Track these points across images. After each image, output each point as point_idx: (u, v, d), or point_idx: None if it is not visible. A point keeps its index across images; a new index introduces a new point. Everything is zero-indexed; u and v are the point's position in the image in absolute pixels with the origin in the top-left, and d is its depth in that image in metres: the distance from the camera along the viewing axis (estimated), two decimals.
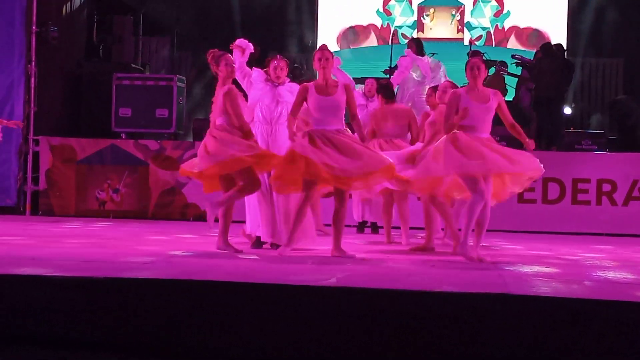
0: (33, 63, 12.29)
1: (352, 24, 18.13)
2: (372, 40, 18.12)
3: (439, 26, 18.04)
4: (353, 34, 18.08)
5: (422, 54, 12.43)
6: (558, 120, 13.66)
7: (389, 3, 18.08)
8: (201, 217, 11.49)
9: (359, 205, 10.30)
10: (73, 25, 14.53)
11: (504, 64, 15.37)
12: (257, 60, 8.53)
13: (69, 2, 14.45)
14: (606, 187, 11.48)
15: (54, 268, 6.34)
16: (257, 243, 8.30)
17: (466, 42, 16.32)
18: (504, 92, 15.00)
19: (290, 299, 5.51)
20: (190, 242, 8.90)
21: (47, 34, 12.74)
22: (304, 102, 7.81)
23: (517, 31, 17.70)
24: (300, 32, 17.71)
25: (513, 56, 16.08)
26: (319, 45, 17.85)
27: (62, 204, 12.14)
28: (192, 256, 7.66)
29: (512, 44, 17.55)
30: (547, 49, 14.57)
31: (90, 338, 5.42)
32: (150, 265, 6.81)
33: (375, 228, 10.53)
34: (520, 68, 15.56)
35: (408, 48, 12.35)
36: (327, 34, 18.10)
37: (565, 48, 15.18)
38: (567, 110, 14.61)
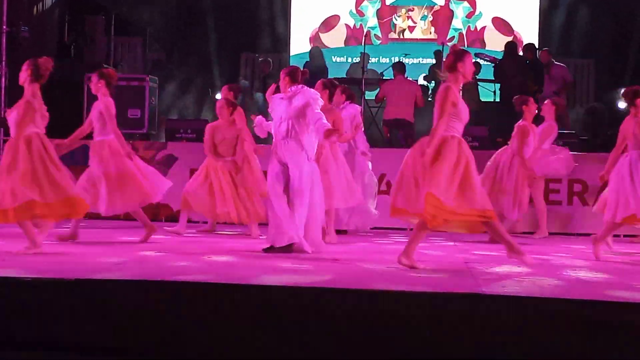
0: (4, 63, 12.20)
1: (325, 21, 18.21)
2: (340, 29, 18.14)
3: (411, 27, 18.10)
4: (323, 24, 18.13)
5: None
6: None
7: (362, 4, 18.11)
8: (173, 218, 11.45)
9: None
10: (44, 25, 14.43)
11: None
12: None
13: (40, 2, 14.35)
14: (577, 187, 11.54)
15: (24, 269, 6.30)
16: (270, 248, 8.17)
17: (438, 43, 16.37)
18: (477, 97, 15.16)
19: (261, 299, 5.51)
20: (162, 243, 8.86)
21: (18, 34, 12.65)
22: None
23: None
24: (273, 32, 17.71)
25: (477, 54, 16.15)
26: (291, 45, 17.97)
27: None
28: (164, 257, 7.63)
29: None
30: (510, 49, 14.62)
31: (60, 339, 5.39)
32: (121, 266, 6.78)
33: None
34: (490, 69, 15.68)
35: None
36: (300, 34, 18.12)
37: (537, 48, 15.25)
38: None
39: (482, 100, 15.49)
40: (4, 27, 12.18)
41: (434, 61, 16.40)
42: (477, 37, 17.92)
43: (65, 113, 13.62)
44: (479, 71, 15.84)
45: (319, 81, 9.48)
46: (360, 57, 16.56)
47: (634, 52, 16.33)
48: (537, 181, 10.69)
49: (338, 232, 9.77)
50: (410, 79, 14.65)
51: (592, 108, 15.52)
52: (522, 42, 16.80)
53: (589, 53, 17.08)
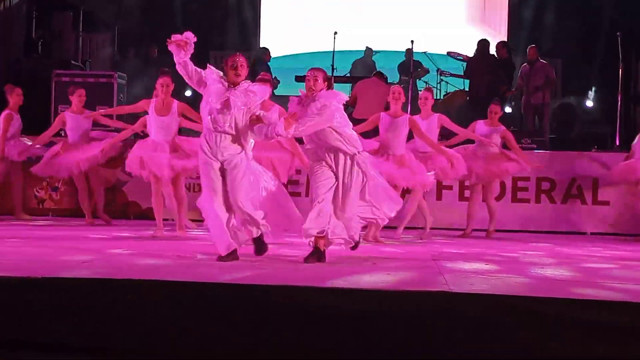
0: None
1: (295, 20, 18.18)
2: None
3: None
4: None
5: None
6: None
7: None
8: (142, 215, 11.40)
9: None
10: (11, 21, 14.31)
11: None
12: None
13: None
14: (545, 186, 11.61)
15: None
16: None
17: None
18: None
19: (229, 297, 5.50)
20: (130, 241, 8.82)
21: None
22: None
23: None
24: (243, 30, 17.67)
25: (448, 53, 16.21)
26: (261, 43, 17.88)
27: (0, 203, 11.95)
28: (131, 255, 7.59)
29: None
30: (482, 47, 14.66)
31: (25, 338, 5.35)
32: (88, 265, 6.74)
33: None
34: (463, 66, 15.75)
35: None
36: (270, 32, 18.10)
37: (511, 47, 15.27)
38: (508, 109, 14.76)
39: None
40: None
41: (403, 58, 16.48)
42: None
43: (33, 109, 13.53)
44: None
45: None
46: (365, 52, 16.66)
47: (601, 52, 16.44)
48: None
49: None
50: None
51: (562, 105, 15.59)
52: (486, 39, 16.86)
53: (557, 53, 17.20)
